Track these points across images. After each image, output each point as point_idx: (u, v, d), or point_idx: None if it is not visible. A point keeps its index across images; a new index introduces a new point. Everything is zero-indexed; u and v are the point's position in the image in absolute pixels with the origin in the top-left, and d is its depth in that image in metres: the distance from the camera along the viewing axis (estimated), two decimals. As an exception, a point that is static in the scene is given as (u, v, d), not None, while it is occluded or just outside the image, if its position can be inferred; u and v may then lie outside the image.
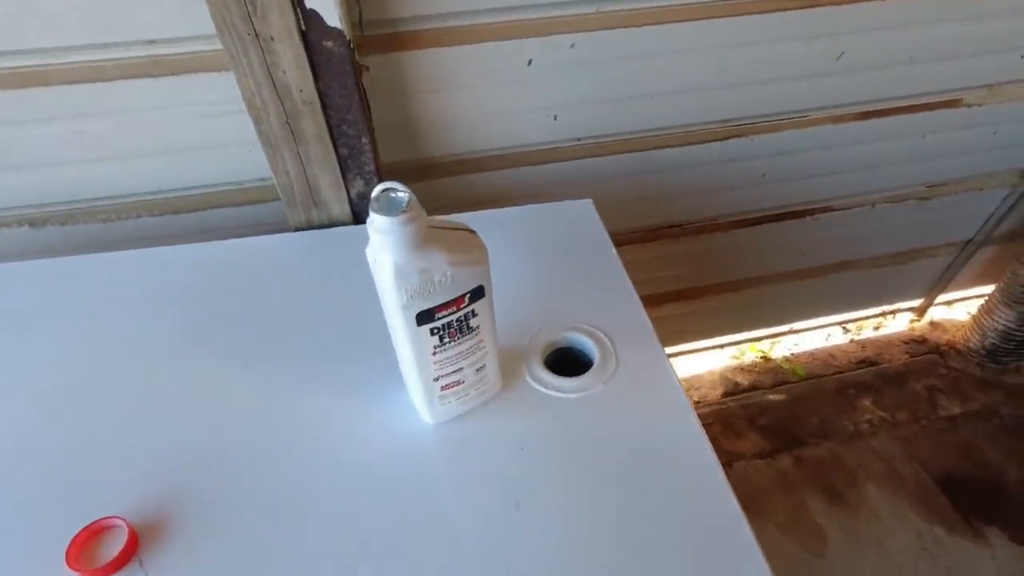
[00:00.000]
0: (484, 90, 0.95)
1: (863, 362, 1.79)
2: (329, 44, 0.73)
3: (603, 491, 0.56)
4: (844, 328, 1.88)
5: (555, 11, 0.89)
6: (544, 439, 0.60)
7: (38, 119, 0.84)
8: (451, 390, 0.58)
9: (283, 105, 0.77)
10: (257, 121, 0.78)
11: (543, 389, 0.64)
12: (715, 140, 1.14)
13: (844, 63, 1.07)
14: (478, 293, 0.52)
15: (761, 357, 1.82)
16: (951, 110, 1.22)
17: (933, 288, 1.75)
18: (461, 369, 0.57)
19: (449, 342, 0.53)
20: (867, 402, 1.67)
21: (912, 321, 1.87)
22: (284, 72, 0.73)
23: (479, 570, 0.50)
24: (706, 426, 0.61)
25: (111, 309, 0.75)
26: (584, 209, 0.91)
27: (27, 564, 0.49)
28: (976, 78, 1.18)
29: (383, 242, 0.46)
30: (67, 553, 0.49)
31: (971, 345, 1.70)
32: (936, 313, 1.88)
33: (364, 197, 0.89)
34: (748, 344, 1.80)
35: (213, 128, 0.89)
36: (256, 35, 0.70)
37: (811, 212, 1.37)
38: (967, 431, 1.59)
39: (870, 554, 1.35)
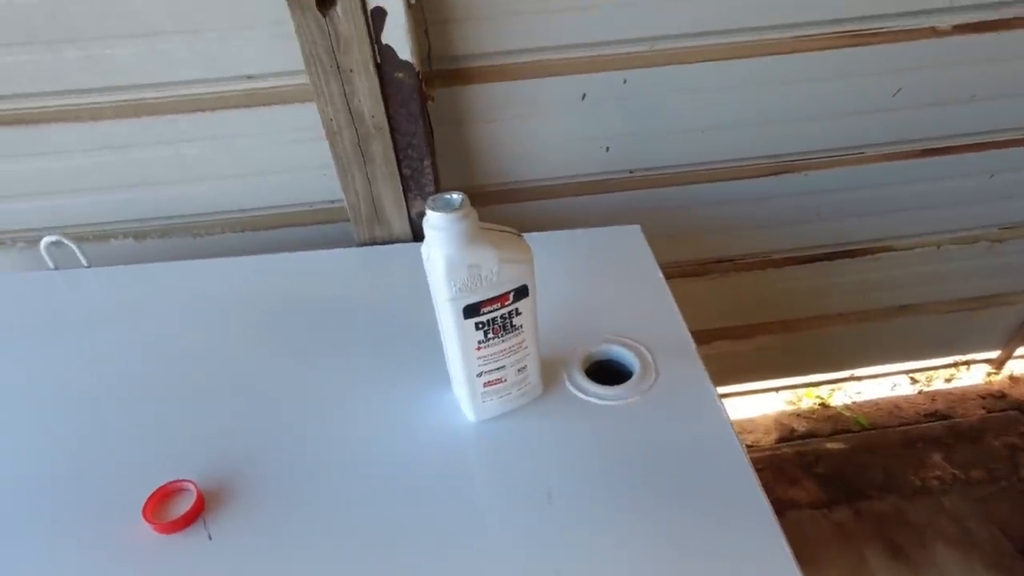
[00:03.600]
0: (539, 122, 1.01)
1: (933, 415, 1.69)
2: (400, 75, 0.81)
3: (636, 494, 0.56)
4: (912, 379, 1.78)
5: (608, 49, 0.95)
6: (581, 443, 0.62)
7: (146, 144, 0.97)
8: (493, 387, 0.61)
9: (356, 129, 0.85)
10: (332, 144, 0.86)
11: (583, 396, 0.66)
12: (767, 175, 1.16)
13: (901, 99, 1.07)
14: (522, 292, 0.56)
15: (819, 404, 1.74)
16: (1020, 148, 1.19)
17: (1012, 339, 1.64)
18: (503, 367, 0.60)
19: (493, 338, 0.57)
20: (938, 457, 1.57)
21: (989, 374, 1.75)
22: (359, 100, 0.82)
23: (512, 561, 0.52)
24: (758, 471, 0.59)
25: (199, 307, 0.84)
26: (632, 234, 0.94)
27: (110, 517, 0.55)
28: (1048, 116, 1.15)
29: (437, 237, 0.51)
30: (144, 508, 0.54)
31: (1057, 402, 1.57)
32: (1016, 367, 1.75)
33: (423, 216, 0.95)
34: (805, 390, 1.74)
35: (292, 153, 0.99)
36: (338, 67, 0.79)
37: (870, 251, 1.34)
38: (1054, 496, 1.46)
39: (940, 621, 1.25)
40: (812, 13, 0.95)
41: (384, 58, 0.80)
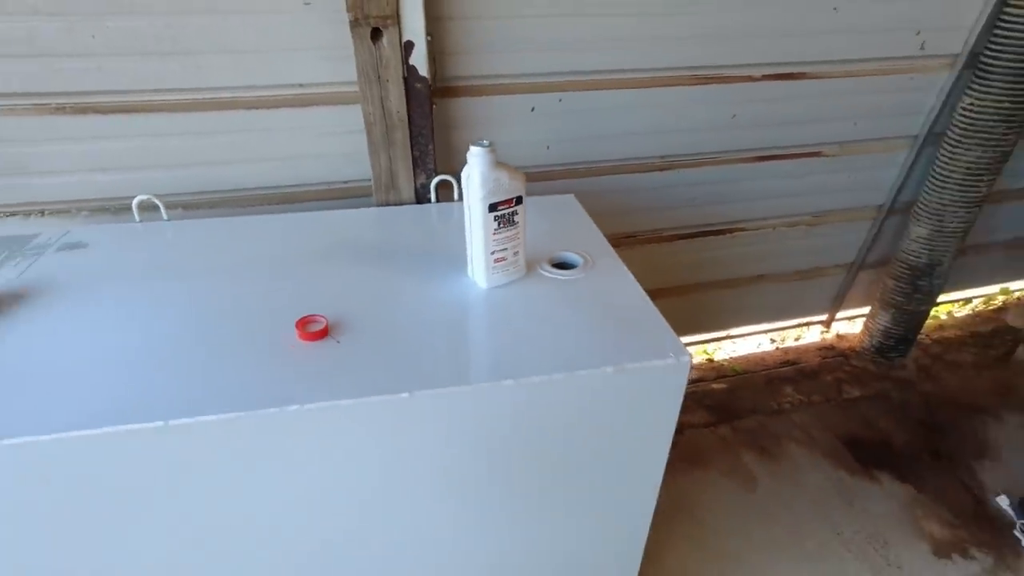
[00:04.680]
0: (501, 125, 1.45)
1: (786, 363, 2.25)
2: (419, 86, 1.22)
3: (578, 316, 0.97)
4: (771, 340, 2.35)
5: (550, 78, 1.41)
6: (549, 299, 1.02)
7: (210, 132, 1.30)
8: (499, 263, 1.01)
9: (386, 122, 1.24)
10: (369, 132, 1.25)
11: (549, 275, 1.07)
12: (658, 170, 1.66)
13: (738, 121, 1.62)
14: (520, 200, 0.97)
15: (707, 359, 2.25)
16: (816, 158, 1.78)
17: (833, 303, 2.25)
18: (506, 249, 1.00)
19: (503, 227, 0.97)
20: (789, 390, 2.11)
21: (822, 333, 2.35)
22: (391, 102, 1.22)
23: (506, 354, 0.90)
24: None
25: (273, 237, 1.17)
26: (570, 200, 1.38)
27: (272, 332, 0.89)
28: (830, 137, 1.75)
29: (476, 161, 0.91)
30: (296, 326, 0.88)
31: (864, 345, 2.18)
32: (840, 328, 2.37)
33: (425, 187, 1.35)
34: (696, 347, 2.25)
35: (328, 143, 1.36)
36: (379, 78, 1.18)
37: (729, 231, 1.88)
38: (865, 408, 2.03)
39: (790, 489, 1.73)
40: (678, 60, 1.47)
41: (410, 73, 1.20)
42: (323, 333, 0.89)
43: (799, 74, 1.59)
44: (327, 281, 1.04)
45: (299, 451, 0.81)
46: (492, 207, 0.94)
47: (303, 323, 0.90)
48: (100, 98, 1.21)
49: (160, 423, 0.74)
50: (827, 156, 1.79)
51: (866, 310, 2.29)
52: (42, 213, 1.33)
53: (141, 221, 1.24)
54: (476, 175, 0.92)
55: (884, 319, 2.07)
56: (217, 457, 0.79)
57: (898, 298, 2.01)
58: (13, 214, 1.31)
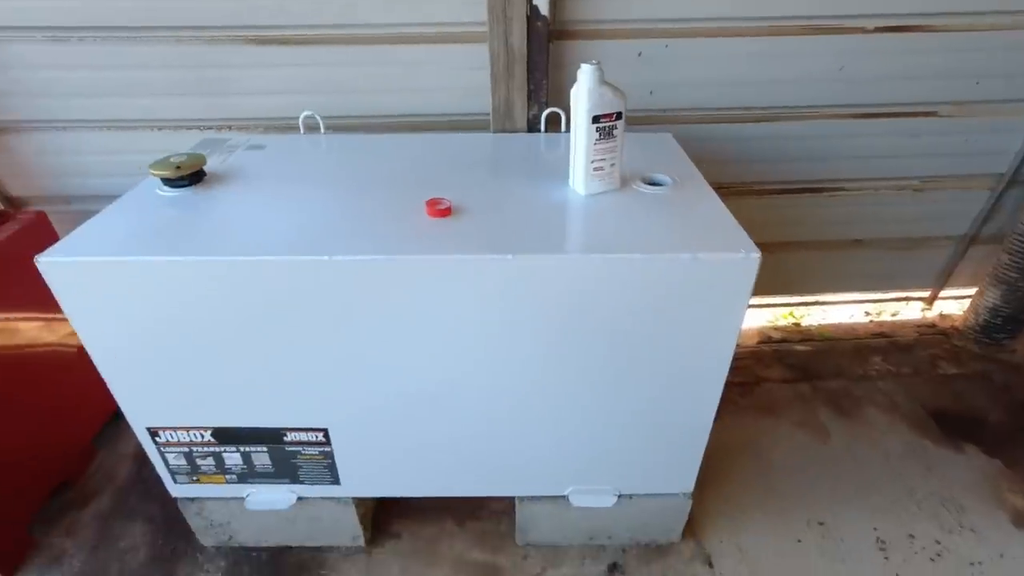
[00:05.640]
0: (607, 69, 1.57)
1: (879, 335, 2.21)
2: (539, 25, 1.39)
3: (662, 218, 1.10)
4: (866, 312, 2.31)
5: (660, 24, 1.52)
6: (638, 208, 1.15)
7: (359, 63, 1.54)
8: (597, 173, 1.16)
9: (507, 57, 1.42)
10: (493, 66, 1.44)
11: (640, 189, 1.21)
12: (754, 121, 1.72)
13: (845, 74, 1.64)
14: (619, 116, 1.11)
15: (793, 323, 2.27)
16: (930, 118, 1.75)
17: (938, 279, 2.17)
18: (604, 160, 1.15)
19: (603, 139, 1.12)
20: (878, 359, 2.08)
21: (923, 310, 2.27)
22: (514, 38, 1.39)
23: (592, 240, 1.05)
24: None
25: (405, 151, 1.40)
26: (666, 137, 1.50)
27: (405, 210, 1.11)
28: (947, 96, 1.71)
29: (584, 77, 1.07)
30: (426, 204, 1.09)
31: (968, 324, 2.10)
32: (944, 307, 2.28)
33: (536, 118, 1.52)
34: (782, 311, 2.26)
35: (454, 78, 1.56)
36: (505, 16, 1.37)
37: (828, 190, 1.89)
38: (961, 386, 1.97)
39: (864, 448, 1.75)
40: (788, 9, 1.53)
41: (532, 13, 1.37)
42: (447, 212, 1.09)
43: (916, 26, 1.57)
44: (451, 181, 1.25)
45: (422, 294, 1.02)
46: (595, 119, 1.10)
47: (432, 203, 1.11)
48: (282, 31, 1.50)
49: (325, 257, 0.97)
50: (942, 117, 1.75)
51: (975, 291, 2.19)
52: (229, 127, 1.65)
53: (304, 134, 1.52)
54: (584, 89, 1.08)
55: (993, 295, 1.98)
56: (361, 290, 1.02)
57: (1012, 274, 1.92)
58: (209, 127, 1.65)
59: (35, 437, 1.47)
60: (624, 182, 1.23)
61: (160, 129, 1.65)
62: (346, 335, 1.07)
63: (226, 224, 1.08)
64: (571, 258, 0.99)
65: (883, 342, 2.17)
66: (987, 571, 1.43)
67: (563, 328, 1.07)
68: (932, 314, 2.28)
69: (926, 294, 2.24)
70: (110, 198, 1.17)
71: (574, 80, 1.10)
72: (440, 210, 1.09)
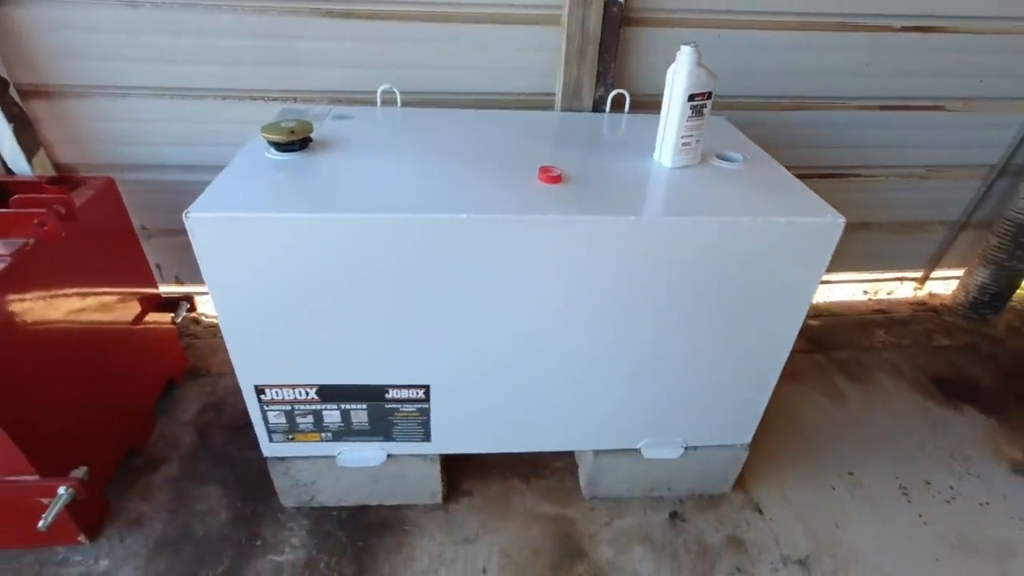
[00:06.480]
0: (664, 55, 1.68)
1: (878, 311, 2.42)
2: (614, 10, 1.49)
3: (747, 189, 1.22)
4: (864, 291, 2.51)
5: (714, 15, 1.64)
6: (714, 180, 1.27)
7: (432, 39, 1.60)
8: (685, 147, 1.27)
9: (582, 40, 1.51)
10: (567, 46, 1.52)
11: (716, 164, 1.32)
12: (784, 110, 1.87)
13: (871, 69, 1.81)
14: (710, 95, 1.22)
15: (801, 301, 2.45)
16: (939, 112, 1.94)
17: (930, 261, 2.39)
18: (691, 135, 1.26)
19: (694, 116, 1.23)
20: (880, 332, 2.29)
21: (915, 289, 2.50)
22: (590, 21, 1.48)
23: (686, 206, 1.16)
24: None
25: (480, 125, 1.47)
26: (721, 120, 1.62)
27: (517, 177, 1.18)
28: (955, 92, 1.90)
29: (684, 58, 1.17)
30: (539, 171, 1.18)
31: (958, 300, 2.33)
32: (933, 287, 2.51)
33: (602, 99, 1.62)
34: (792, 290, 2.44)
35: (523, 59, 1.64)
36: (585, 2, 1.45)
37: (847, 176, 2.06)
38: (954, 355, 2.19)
39: (878, 408, 1.93)
40: (825, 6, 1.67)
41: (608, -1, 1.47)
42: (559, 179, 1.18)
43: (936, 27, 1.75)
44: (544, 152, 1.33)
45: (543, 252, 1.10)
46: (691, 97, 1.20)
47: (544, 170, 1.19)
48: (360, 6, 1.54)
49: (464, 216, 1.05)
50: (949, 111, 1.94)
51: (960, 272, 2.42)
52: (295, 99, 1.68)
53: (382, 107, 1.57)
54: (684, 69, 1.18)
55: (982, 275, 2.21)
56: (486, 248, 1.09)
57: (1000, 255, 2.15)
58: (274, 99, 1.67)
59: (108, 401, 1.48)
60: (703, 158, 1.34)
61: (224, 99, 1.66)
62: (455, 293, 1.14)
63: (352, 185, 1.14)
64: (690, 220, 1.10)
65: (883, 317, 2.37)
66: (995, 510, 1.63)
67: (656, 287, 1.17)
68: (922, 293, 2.50)
69: (919, 274, 2.46)
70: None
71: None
72: (552, 176, 1.17)
